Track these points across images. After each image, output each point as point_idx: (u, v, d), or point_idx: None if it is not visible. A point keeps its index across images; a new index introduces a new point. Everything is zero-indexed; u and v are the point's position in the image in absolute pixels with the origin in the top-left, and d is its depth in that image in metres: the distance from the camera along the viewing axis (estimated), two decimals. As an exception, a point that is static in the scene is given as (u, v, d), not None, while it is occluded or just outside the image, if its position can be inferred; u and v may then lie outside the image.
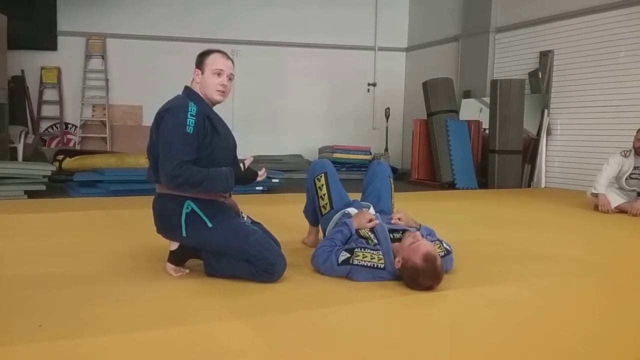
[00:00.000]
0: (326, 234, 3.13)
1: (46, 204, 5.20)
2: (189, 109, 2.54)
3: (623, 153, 5.36)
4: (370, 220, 2.82)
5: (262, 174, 2.79)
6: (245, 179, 2.73)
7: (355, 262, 2.62)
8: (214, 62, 2.65)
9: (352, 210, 2.99)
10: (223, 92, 2.67)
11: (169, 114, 2.56)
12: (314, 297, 2.47)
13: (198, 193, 2.59)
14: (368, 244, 2.71)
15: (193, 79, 2.69)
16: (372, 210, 3.01)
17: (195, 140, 2.53)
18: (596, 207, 5.36)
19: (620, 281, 2.92)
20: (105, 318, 2.10)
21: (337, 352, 1.86)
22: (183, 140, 2.50)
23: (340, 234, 2.80)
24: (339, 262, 2.64)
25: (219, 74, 2.64)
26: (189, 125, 2.51)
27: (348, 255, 2.64)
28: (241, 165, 2.72)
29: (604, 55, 6.94)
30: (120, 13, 9.09)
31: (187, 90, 2.69)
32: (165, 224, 2.67)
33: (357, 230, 2.79)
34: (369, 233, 2.76)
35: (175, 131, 2.51)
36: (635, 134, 5.27)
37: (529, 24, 7.99)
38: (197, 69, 2.67)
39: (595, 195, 5.34)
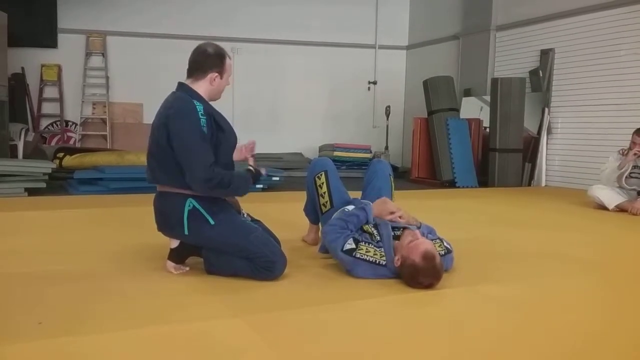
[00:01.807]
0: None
1: (46, 201, 5.20)
2: (198, 109, 2.54)
3: (621, 151, 5.36)
4: (392, 212, 2.80)
5: (265, 172, 2.89)
6: (256, 179, 2.80)
7: (358, 255, 2.61)
8: (229, 67, 2.71)
9: (351, 208, 2.98)
10: None
11: (181, 116, 2.54)
12: (314, 294, 2.47)
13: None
14: (372, 239, 2.71)
15: (202, 80, 2.63)
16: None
17: (208, 139, 2.55)
18: (597, 206, 5.35)
19: (621, 280, 2.93)
20: (105, 315, 2.11)
21: (336, 350, 1.86)
22: (203, 142, 2.51)
23: (355, 218, 2.77)
24: (344, 249, 2.63)
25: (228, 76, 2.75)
26: (204, 126, 2.52)
27: (354, 246, 2.63)
28: (250, 167, 2.78)
29: (605, 54, 6.94)
30: (120, 10, 9.08)
31: (185, 89, 2.65)
32: (167, 222, 2.67)
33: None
34: (373, 229, 2.76)
35: (194, 135, 2.51)
36: (631, 137, 5.24)
37: (530, 22, 7.98)
38: (216, 74, 2.64)
39: (620, 174, 5.24)
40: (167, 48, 9.00)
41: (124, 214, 4.50)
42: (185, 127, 2.52)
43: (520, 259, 3.26)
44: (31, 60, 8.71)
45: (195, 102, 2.57)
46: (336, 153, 8.94)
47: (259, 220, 2.89)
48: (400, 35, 10.47)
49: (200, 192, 2.57)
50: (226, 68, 2.68)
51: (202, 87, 2.66)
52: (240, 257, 2.59)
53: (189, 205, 2.59)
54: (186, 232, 2.61)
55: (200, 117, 2.53)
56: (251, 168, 2.78)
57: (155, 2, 9.21)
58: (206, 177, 2.49)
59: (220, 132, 2.63)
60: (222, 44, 2.79)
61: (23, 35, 8.25)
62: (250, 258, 2.57)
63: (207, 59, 2.65)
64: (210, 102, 2.73)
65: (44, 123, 9.02)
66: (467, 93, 8.82)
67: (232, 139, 2.74)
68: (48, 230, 3.87)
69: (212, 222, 2.59)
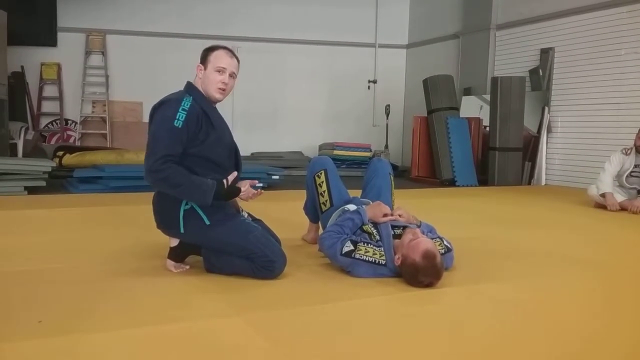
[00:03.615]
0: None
1: (46, 200, 5.20)
2: (182, 103, 2.52)
3: (624, 151, 5.36)
4: (385, 215, 2.81)
5: (244, 189, 2.66)
6: (227, 195, 2.63)
7: (357, 256, 2.61)
8: (218, 59, 2.61)
9: (351, 207, 2.98)
10: (223, 90, 2.62)
11: (161, 108, 2.55)
12: (314, 293, 2.47)
13: None
14: (371, 239, 2.70)
15: (196, 74, 2.66)
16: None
17: (183, 134, 2.49)
18: (597, 205, 5.36)
19: (621, 279, 2.92)
20: (105, 314, 2.11)
21: (336, 349, 1.86)
22: (169, 134, 2.47)
23: (351, 222, 2.78)
24: (342, 252, 2.63)
25: (220, 72, 2.60)
26: (178, 119, 2.48)
27: (352, 247, 2.63)
28: (224, 181, 2.61)
29: (605, 53, 6.93)
30: (120, 9, 9.07)
31: (188, 86, 2.67)
32: (164, 220, 2.66)
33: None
34: (372, 228, 2.75)
35: (162, 125, 2.50)
36: (637, 133, 5.26)
37: (530, 21, 7.97)
38: (200, 65, 2.63)
39: (603, 195, 5.30)
40: (167, 47, 9.00)
41: (123, 213, 4.50)
42: (159, 116, 2.52)
43: (520, 258, 3.26)
44: (31, 59, 8.70)
45: (186, 96, 2.56)
46: (336, 152, 8.93)
47: (260, 220, 2.88)
48: (400, 34, 10.47)
49: (147, 181, 2.51)
50: (210, 59, 2.60)
51: (197, 82, 2.66)
52: (240, 256, 2.59)
53: (186, 205, 2.58)
54: (182, 231, 2.60)
55: (181, 110, 2.49)
56: (225, 181, 2.59)
57: (155, 1, 9.20)
58: (151, 168, 2.45)
59: (211, 129, 2.60)
60: (222, 43, 2.79)
61: (23, 33, 8.24)
62: (250, 257, 2.57)
63: (201, 56, 2.67)
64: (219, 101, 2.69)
65: (44, 122, 9.02)
66: (467, 92, 8.82)
67: (225, 137, 2.70)
68: (48, 228, 3.87)
69: (207, 222, 2.58)
